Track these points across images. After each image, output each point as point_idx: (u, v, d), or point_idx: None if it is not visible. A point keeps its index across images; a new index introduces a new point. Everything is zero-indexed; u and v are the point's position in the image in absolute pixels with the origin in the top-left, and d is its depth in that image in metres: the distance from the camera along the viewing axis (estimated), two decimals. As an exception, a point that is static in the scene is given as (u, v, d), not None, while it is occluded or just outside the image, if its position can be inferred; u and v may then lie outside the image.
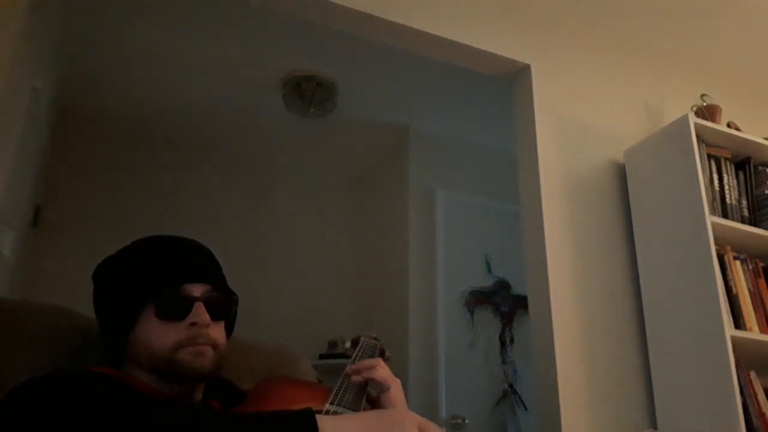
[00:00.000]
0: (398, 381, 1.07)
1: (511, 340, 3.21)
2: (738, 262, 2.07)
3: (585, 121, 2.43)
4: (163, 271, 0.99)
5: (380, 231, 3.63)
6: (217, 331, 1.00)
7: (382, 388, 1.04)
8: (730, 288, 2.00)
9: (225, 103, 3.24)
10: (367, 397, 1.03)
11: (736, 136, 2.23)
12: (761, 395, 1.90)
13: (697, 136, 2.14)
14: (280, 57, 2.88)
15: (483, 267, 3.29)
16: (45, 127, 2.77)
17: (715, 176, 2.17)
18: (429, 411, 2.88)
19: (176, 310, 0.97)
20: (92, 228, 3.19)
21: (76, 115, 3.30)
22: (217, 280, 1.04)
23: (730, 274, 2.01)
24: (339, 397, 0.95)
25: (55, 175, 3.18)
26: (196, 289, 0.99)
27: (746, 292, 2.03)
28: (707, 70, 2.83)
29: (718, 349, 1.86)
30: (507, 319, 3.25)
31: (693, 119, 2.14)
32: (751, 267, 2.10)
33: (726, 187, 2.17)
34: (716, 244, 2.01)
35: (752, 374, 1.92)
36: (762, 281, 2.10)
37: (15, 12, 1.76)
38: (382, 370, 1.05)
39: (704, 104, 2.40)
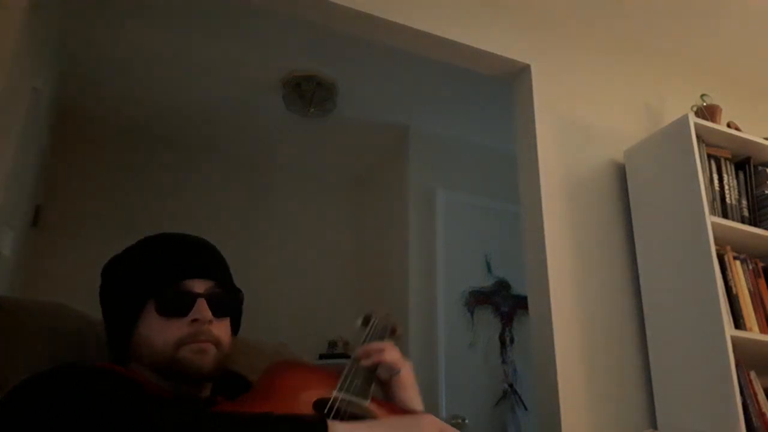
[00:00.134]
0: (409, 363, 1.05)
1: (511, 340, 3.21)
2: (738, 262, 2.07)
3: (585, 121, 2.42)
4: (165, 267, 0.98)
5: (380, 231, 3.63)
6: (220, 329, 0.98)
7: (393, 371, 1.02)
8: (730, 288, 2.00)
9: (225, 103, 3.24)
10: (378, 380, 1.02)
11: (736, 136, 2.23)
12: (761, 395, 1.90)
13: (697, 136, 2.14)
14: (280, 57, 2.88)
15: (483, 267, 3.29)
16: (45, 127, 2.77)
17: (715, 176, 2.17)
18: (429, 411, 2.87)
19: (177, 306, 0.96)
20: (92, 228, 3.19)
21: (76, 115, 3.30)
22: (220, 277, 1.02)
23: (730, 274, 2.01)
24: (348, 383, 0.94)
25: (55, 175, 3.18)
26: (199, 285, 0.98)
27: (746, 292, 2.03)
28: (707, 70, 2.83)
29: (718, 349, 1.86)
30: (507, 319, 3.25)
31: (693, 119, 2.14)
32: (751, 267, 2.10)
33: (726, 187, 2.17)
34: (716, 244, 2.01)
35: (752, 374, 1.92)
36: (762, 281, 2.10)
37: (15, 12, 1.76)
38: (392, 353, 1.03)
39: (704, 104, 2.39)
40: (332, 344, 3.37)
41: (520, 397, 3.07)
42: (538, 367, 2.06)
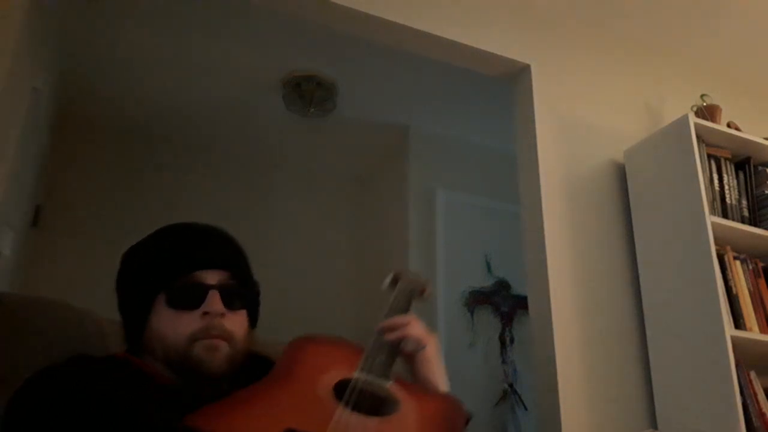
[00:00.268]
0: (433, 338, 1.02)
1: (511, 340, 3.20)
2: (738, 262, 2.07)
3: (585, 121, 2.42)
4: (176, 257, 0.95)
5: (380, 231, 3.63)
6: (233, 322, 0.94)
7: (418, 347, 0.99)
8: (730, 288, 2.00)
9: (225, 103, 3.24)
10: (402, 352, 0.99)
11: (736, 136, 2.23)
12: (761, 395, 1.90)
13: (697, 136, 2.14)
14: (280, 57, 2.88)
15: (483, 267, 3.29)
16: (45, 127, 2.77)
17: (715, 176, 2.17)
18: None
19: (188, 298, 0.92)
20: (92, 228, 3.19)
21: (76, 115, 3.30)
22: (235, 267, 0.98)
23: (730, 274, 2.01)
24: (370, 361, 0.91)
25: (55, 175, 3.18)
26: (211, 277, 0.94)
27: (746, 292, 2.03)
28: (707, 70, 2.83)
29: (718, 349, 1.86)
30: (507, 319, 3.25)
31: (693, 119, 2.14)
32: (751, 267, 2.10)
33: (726, 187, 2.17)
34: (716, 244, 2.01)
35: (752, 374, 1.92)
36: (762, 281, 2.10)
37: (15, 12, 1.76)
38: (416, 328, 0.99)
39: (704, 104, 2.40)
40: (332, 344, 3.36)
41: (520, 397, 3.07)
42: (538, 367, 2.06)
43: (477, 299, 3.20)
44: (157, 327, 0.92)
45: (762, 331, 1.99)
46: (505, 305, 3.27)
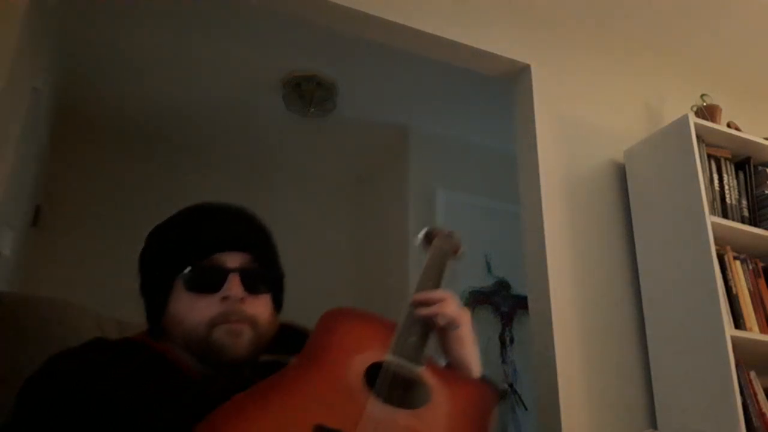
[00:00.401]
0: (468, 316, 0.99)
1: (511, 340, 3.20)
2: (738, 262, 2.07)
3: (585, 121, 2.42)
4: (195, 238, 0.92)
5: (380, 231, 3.63)
6: (256, 307, 0.91)
7: (452, 326, 0.96)
8: (730, 288, 2.00)
9: (225, 103, 3.24)
10: (435, 327, 0.96)
11: (736, 136, 2.23)
12: (761, 395, 1.89)
13: (697, 136, 2.14)
14: (280, 57, 2.88)
15: (483, 267, 3.29)
16: (45, 127, 2.77)
17: (715, 176, 2.17)
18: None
19: (207, 281, 0.89)
20: (92, 228, 3.19)
21: (76, 115, 3.30)
22: (258, 249, 0.95)
23: (730, 274, 2.01)
24: (402, 343, 0.88)
25: (55, 175, 3.18)
26: (232, 260, 0.91)
27: (746, 292, 2.03)
28: (707, 70, 2.82)
29: (718, 349, 1.86)
30: (507, 319, 3.25)
31: (693, 119, 2.14)
32: (751, 267, 2.10)
33: (726, 187, 2.17)
34: (716, 244, 2.01)
35: (752, 374, 1.92)
36: (762, 281, 2.10)
37: (15, 12, 1.76)
38: (451, 306, 0.96)
39: (704, 104, 2.40)
40: (332, 344, 3.36)
41: (520, 397, 3.07)
42: (538, 367, 2.06)
43: (477, 299, 3.20)
44: (176, 310, 0.89)
45: (762, 331, 1.99)
46: (505, 305, 3.27)
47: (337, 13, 2.14)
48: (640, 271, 2.20)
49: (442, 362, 1.00)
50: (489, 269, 3.30)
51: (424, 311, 0.95)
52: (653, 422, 2.04)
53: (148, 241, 0.97)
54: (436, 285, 1.02)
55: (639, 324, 2.17)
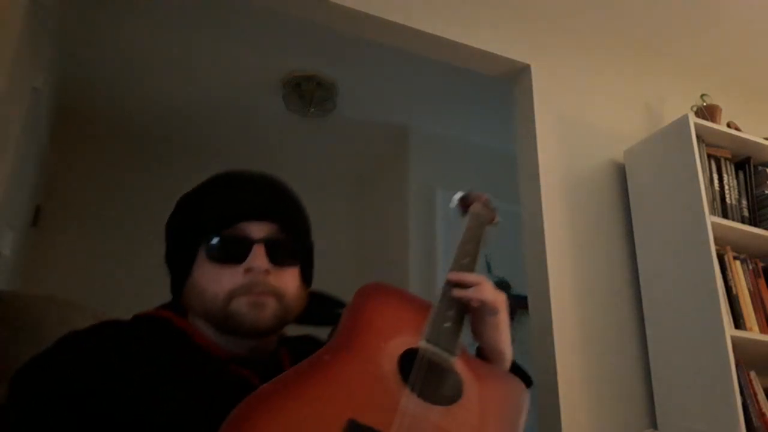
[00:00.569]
0: (504, 301, 0.96)
1: (511, 340, 3.20)
2: (738, 262, 2.07)
3: (585, 121, 2.42)
4: (220, 207, 0.88)
5: (380, 231, 3.63)
6: (281, 279, 0.86)
7: (489, 312, 0.94)
8: (730, 288, 2.00)
9: (225, 103, 3.24)
10: (470, 310, 0.93)
11: (736, 136, 2.23)
12: (761, 395, 1.89)
13: (697, 136, 2.14)
14: (280, 57, 2.88)
15: (483, 267, 3.29)
16: (45, 127, 2.77)
17: (715, 176, 2.17)
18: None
19: (230, 252, 0.85)
20: (92, 228, 3.19)
21: (76, 115, 3.30)
22: (287, 220, 0.90)
23: (730, 274, 2.01)
24: (437, 327, 0.86)
25: (55, 175, 3.18)
26: (257, 230, 0.86)
27: (746, 292, 2.03)
28: (707, 70, 2.82)
29: (718, 349, 1.86)
30: (507, 319, 3.24)
31: (693, 119, 2.14)
32: (751, 267, 2.10)
33: (726, 187, 2.17)
34: (716, 244, 2.01)
35: (752, 374, 1.92)
36: (762, 281, 2.10)
37: (15, 12, 1.76)
38: (489, 290, 0.93)
39: (704, 104, 2.40)
40: (332, 344, 3.36)
41: (520, 397, 3.07)
42: (538, 367, 2.06)
43: (477, 299, 3.19)
44: (198, 281, 0.86)
45: (762, 331, 1.99)
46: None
47: (337, 13, 2.14)
48: (640, 271, 2.20)
49: (472, 349, 0.97)
50: (489, 269, 3.29)
51: (460, 293, 0.92)
52: (653, 422, 2.04)
53: (176, 207, 0.94)
54: (474, 259, 1.00)
55: (639, 324, 2.17)
